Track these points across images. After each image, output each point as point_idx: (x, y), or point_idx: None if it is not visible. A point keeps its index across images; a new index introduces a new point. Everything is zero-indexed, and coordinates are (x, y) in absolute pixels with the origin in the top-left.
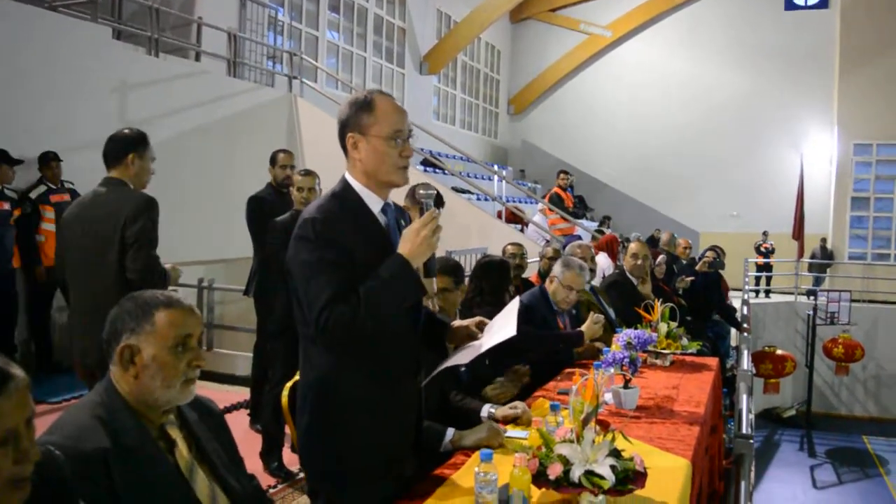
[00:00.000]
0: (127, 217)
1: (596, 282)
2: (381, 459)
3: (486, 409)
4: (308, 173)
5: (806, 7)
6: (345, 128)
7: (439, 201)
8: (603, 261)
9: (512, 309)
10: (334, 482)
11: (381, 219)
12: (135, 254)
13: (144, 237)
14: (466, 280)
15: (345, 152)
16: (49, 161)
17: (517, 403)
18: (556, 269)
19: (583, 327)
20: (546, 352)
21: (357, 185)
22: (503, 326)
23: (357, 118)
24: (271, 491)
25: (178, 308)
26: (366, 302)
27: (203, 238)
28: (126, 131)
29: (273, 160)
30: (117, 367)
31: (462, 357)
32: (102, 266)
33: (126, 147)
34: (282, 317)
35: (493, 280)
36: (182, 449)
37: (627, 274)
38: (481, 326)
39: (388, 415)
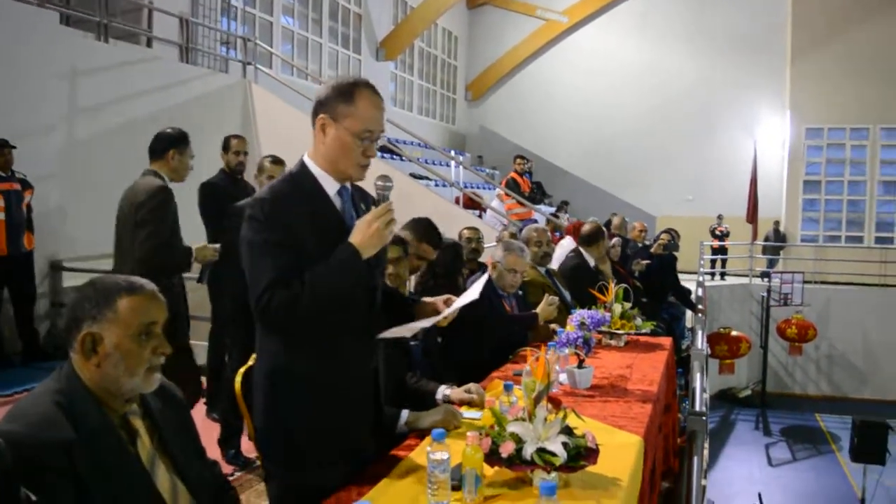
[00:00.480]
0: (139, 203)
1: (555, 265)
2: (336, 443)
3: (442, 392)
4: (277, 161)
5: None
6: (320, 106)
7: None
8: (568, 244)
9: (479, 283)
10: (290, 467)
11: (337, 201)
12: (140, 235)
13: (150, 221)
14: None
15: (313, 128)
16: (0, 148)
17: (471, 386)
18: (497, 254)
19: (537, 309)
20: (501, 334)
21: (314, 167)
22: (468, 296)
23: (334, 103)
24: (230, 479)
25: (141, 294)
26: (311, 288)
27: None
28: (169, 130)
29: (226, 146)
30: (79, 356)
31: (423, 323)
32: (128, 249)
33: (168, 144)
34: (235, 303)
35: (447, 263)
36: (144, 439)
37: (585, 255)
38: (449, 303)
39: (343, 399)
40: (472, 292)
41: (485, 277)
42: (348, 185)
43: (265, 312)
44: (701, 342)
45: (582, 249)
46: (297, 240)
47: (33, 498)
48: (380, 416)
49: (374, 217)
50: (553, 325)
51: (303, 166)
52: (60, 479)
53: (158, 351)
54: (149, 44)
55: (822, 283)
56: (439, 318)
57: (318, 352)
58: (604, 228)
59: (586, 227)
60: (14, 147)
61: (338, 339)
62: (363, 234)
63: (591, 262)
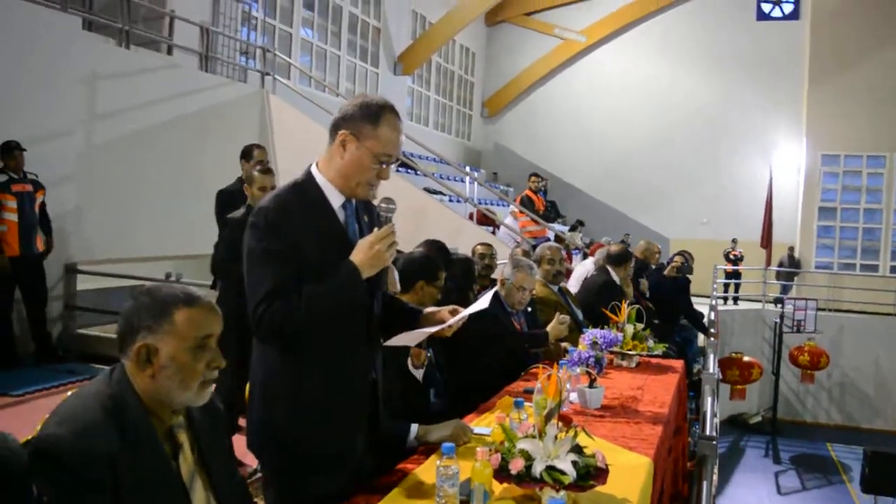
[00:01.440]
0: None
1: (574, 284)
2: (330, 453)
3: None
4: (269, 171)
5: (777, 18)
6: (343, 121)
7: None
8: (590, 264)
9: (487, 295)
10: (284, 474)
11: (341, 214)
12: None
13: None
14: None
15: (330, 140)
16: (12, 150)
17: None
18: (506, 270)
19: (548, 327)
20: (510, 350)
21: (321, 178)
22: (477, 306)
23: (360, 122)
24: None
25: (199, 306)
26: (307, 303)
27: (172, 232)
28: None
29: (248, 155)
30: (133, 365)
31: (427, 330)
32: None
33: None
34: (230, 311)
35: (458, 278)
36: (187, 454)
37: (612, 274)
38: (454, 314)
39: (337, 409)
40: (481, 303)
41: (492, 291)
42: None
43: (260, 323)
44: (712, 366)
45: (609, 268)
46: (297, 250)
47: (45, 499)
48: (378, 429)
49: (377, 239)
50: (564, 344)
51: (309, 176)
52: (100, 494)
53: (213, 365)
54: (169, 51)
55: (836, 310)
56: (444, 326)
57: (313, 362)
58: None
59: (615, 248)
60: (24, 150)
61: (333, 351)
62: (364, 255)
63: (617, 282)
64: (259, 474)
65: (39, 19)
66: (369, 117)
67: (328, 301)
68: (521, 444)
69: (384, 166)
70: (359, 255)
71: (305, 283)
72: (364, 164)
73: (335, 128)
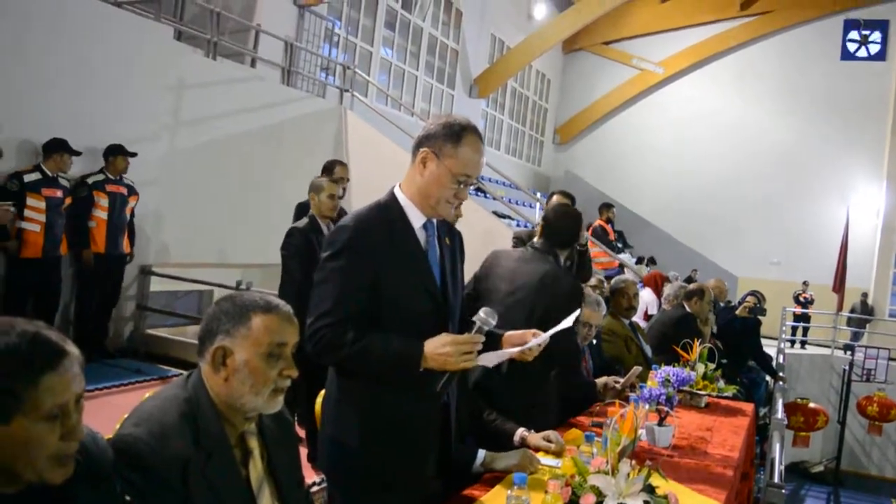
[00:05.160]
0: None
1: (639, 317)
2: (399, 475)
3: (520, 434)
4: (337, 180)
5: (862, 58)
6: (425, 139)
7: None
8: (647, 296)
9: (570, 317)
10: (350, 492)
11: (421, 235)
12: None
13: None
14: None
15: (413, 158)
16: (118, 153)
17: (550, 434)
18: None
19: (599, 381)
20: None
21: (403, 198)
22: (560, 327)
23: (441, 141)
24: None
25: (276, 314)
26: (360, 351)
27: (243, 241)
28: None
29: (329, 170)
30: (208, 367)
31: (508, 352)
32: None
33: None
34: None
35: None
36: (256, 461)
37: (687, 309)
38: (536, 336)
39: (407, 432)
40: (564, 323)
41: (576, 314)
42: (434, 219)
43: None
44: (780, 411)
45: (685, 304)
46: (372, 270)
47: (127, 498)
48: (449, 451)
49: (454, 343)
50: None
51: (392, 196)
52: (170, 494)
53: (285, 373)
54: (253, 64)
55: None
56: (525, 348)
57: (384, 386)
58: (709, 290)
59: (693, 286)
60: (134, 154)
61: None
62: (434, 349)
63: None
64: (315, 488)
65: (134, 27)
66: (451, 136)
67: (379, 362)
68: (593, 480)
69: (462, 186)
70: (431, 345)
71: (383, 306)
72: (443, 182)
73: (417, 145)
